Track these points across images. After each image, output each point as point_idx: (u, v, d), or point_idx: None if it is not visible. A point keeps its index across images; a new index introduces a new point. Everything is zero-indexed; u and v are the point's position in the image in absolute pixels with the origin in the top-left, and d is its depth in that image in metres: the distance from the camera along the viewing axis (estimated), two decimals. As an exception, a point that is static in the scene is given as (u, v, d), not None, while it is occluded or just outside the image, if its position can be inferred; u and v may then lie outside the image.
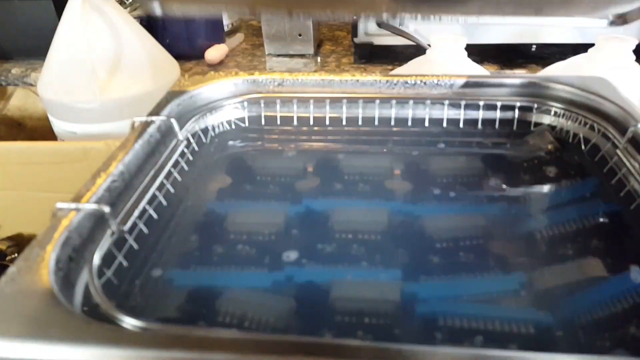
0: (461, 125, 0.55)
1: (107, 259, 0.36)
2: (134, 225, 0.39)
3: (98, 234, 0.36)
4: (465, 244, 0.41)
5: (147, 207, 0.41)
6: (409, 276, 0.38)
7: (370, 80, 0.55)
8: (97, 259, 0.34)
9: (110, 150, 0.42)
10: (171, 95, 0.51)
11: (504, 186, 0.48)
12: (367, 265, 0.39)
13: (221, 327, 0.34)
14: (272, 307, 0.36)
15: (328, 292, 0.37)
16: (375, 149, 0.55)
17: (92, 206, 0.36)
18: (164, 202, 0.43)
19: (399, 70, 0.70)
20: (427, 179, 0.49)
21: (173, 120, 0.47)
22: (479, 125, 0.55)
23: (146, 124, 0.46)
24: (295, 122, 0.56)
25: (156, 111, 0.48)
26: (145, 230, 0.40)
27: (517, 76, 0.56)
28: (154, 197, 0.42)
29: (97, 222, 0.36)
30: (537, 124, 0.54)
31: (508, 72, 0.78)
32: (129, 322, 0.29)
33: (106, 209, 0.36)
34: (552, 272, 0.39)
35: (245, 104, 0.56)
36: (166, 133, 0.47)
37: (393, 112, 0.56)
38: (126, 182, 0.41)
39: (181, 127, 0.49)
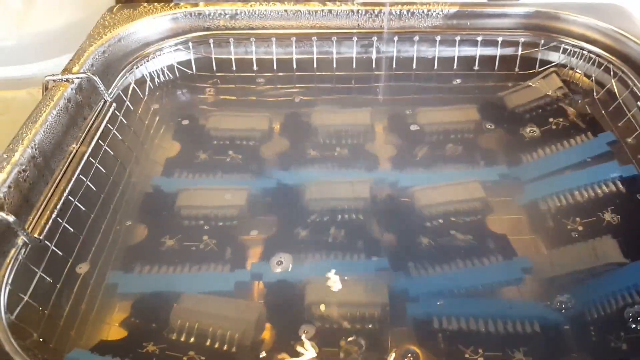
0: (455, 65, 0.47)
1: (22, 278, 0.29)
2: (55, 226, 0.31)
3: (4, 249, 0.28)
4: (457, 221, 0.35)
5: (71, 198, 0.32)
6: (396, 267, 0.32)
7: (346, 10, 0.45)
8: (5, 284, 0.27)
9: (36, 101, 0.35)
10: (93, 41, 0.39)
11: (503, 143, 0.41)
12: (348, 255, 0.33)
13: (175, 352, 0.28)
14: (236, 318, 0.30)
15: (303, 294, 0.31)
16: (352, 99, 0.46)
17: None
18: (93, 187, 0.35)
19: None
20: (414, 137, 0.42)
21: (95, 77, 0.36)
22: (476, 66, 0.47)
23: (61, 85, 0.35)
24: (255, 67, 0.46)
25: (74, 66, 0.37)
26: (70, 229, 0.32)
27: (521, 4, 0.47)
28: (79, 182, 0.33)
29: (2, 234, 0.29)
30: (543, 63, 0.46)
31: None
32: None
33: (10, 218, 0.27)
34: (558, 256, 0.33)
35: (190, 44, 0.45)
36: (90, 93, 0.37)
37: (374, 50, 0.46)
38: (40, 169, 0.32)
39: (109, 83, 0.38)
